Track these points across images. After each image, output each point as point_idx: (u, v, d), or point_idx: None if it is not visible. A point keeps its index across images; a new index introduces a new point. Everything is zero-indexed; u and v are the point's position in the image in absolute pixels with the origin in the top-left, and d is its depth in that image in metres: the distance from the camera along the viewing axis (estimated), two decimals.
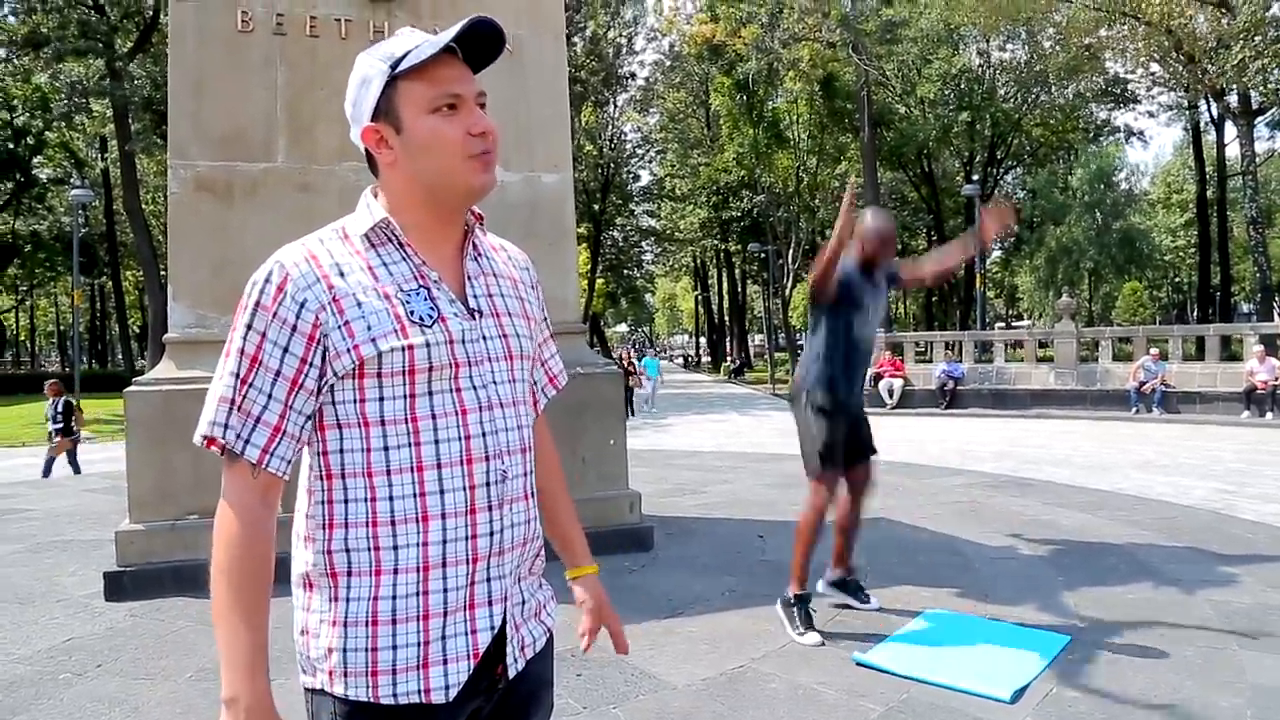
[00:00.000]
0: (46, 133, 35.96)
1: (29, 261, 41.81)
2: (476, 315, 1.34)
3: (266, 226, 5.37)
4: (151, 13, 25.39)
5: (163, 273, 24.82)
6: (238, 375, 1.25)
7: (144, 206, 30.04)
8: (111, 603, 4.88)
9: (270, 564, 1.28)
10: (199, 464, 4.95)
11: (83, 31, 23.96)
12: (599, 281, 47.83)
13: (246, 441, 1.25)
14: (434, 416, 1.27)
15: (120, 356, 47.52)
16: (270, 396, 1.24)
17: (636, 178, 48.51)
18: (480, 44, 1.31)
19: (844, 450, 4.36)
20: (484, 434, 1.30)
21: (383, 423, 1.26)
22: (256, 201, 5.49)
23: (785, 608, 4.31)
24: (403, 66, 1.26)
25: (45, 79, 30.96)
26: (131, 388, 5.28)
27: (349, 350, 1.24)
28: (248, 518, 1.26)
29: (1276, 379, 16.31)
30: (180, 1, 5.47)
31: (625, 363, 23.14)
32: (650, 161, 48.24)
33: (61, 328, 58.29)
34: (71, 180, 37.63)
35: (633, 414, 20.36)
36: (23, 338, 63.75)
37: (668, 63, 42.76)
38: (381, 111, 1.29)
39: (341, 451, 1.27)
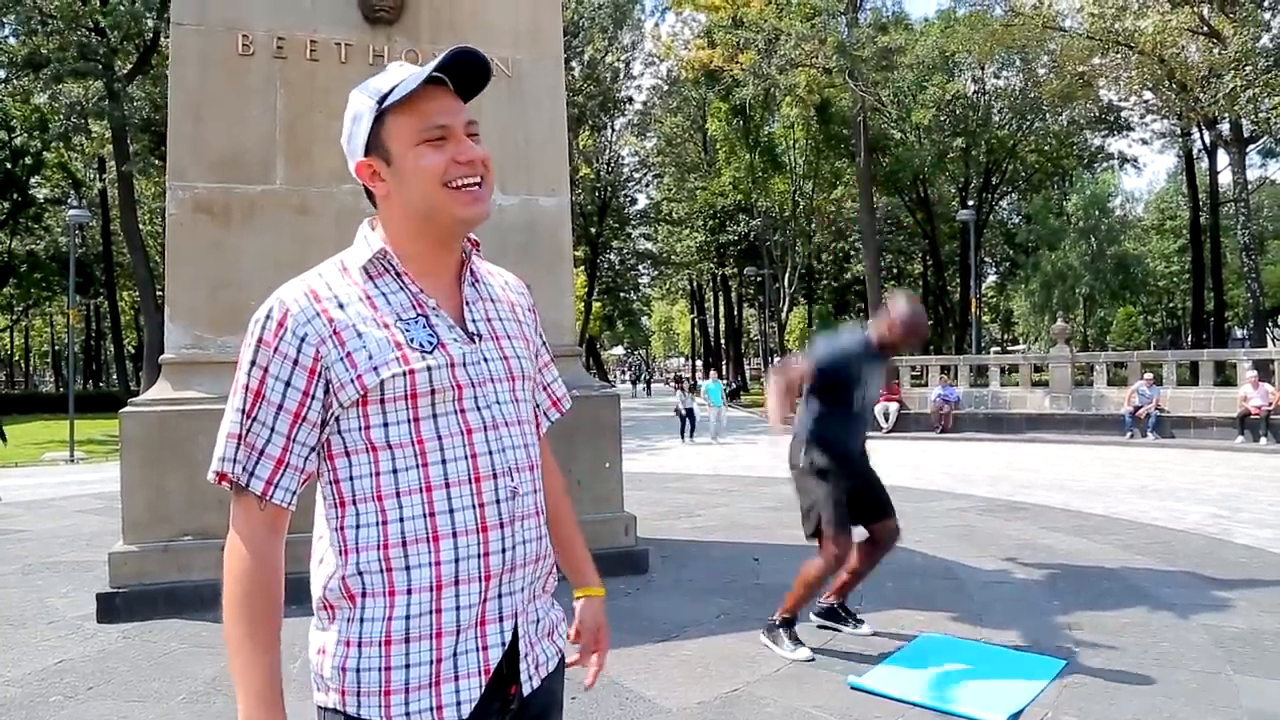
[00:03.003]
0: (44, 153, 36.00)
1: (25, 281, 41.76)
2: (476, 339, 1.36)
3: (264, 248, 5.40)
4: (151, 35, 25.46)
5: (159, 293, 24.79)
6: (242, 410, 1.28)
7: (141, 227, 30.01)
8: (104, 624, 4.86)
9: (280, 593, 1.30)
10: (193, 485, 4.94)
11: (82, 53, 24.03)
12: (595, 304, 47.92)
13: (251, 474, 1.28)
14: (439, 438, 1.29)
15: (115, 377, 47.37)
16: (273, 430, 1.27)
17: (633, 201, 48.72)
18: (467, 73, 1.33)
19: (856, 508, 4.31)
20: (490, 452, 1.32)
21: (389, 446, 1.28)
22: (254, 223, 5.52)
23: (770, 632, 4.35)
24: (389, 100, 1.30)
25: (44, 99, 31.05)
26: (127, 408, 5.28)
27: (353, 381, 1.26)
28: (257, 549, 1.28)
29: (1270, 404, 16.35)
30: (181, 25, 5.52)
31: (687, 386, 22.00)
32: (647, 185, 48.46)
33: (56, 348, 58.12)
34: (69, 200, 37.65)
35: (692, 437, 19.57)
36: (17, 358, 63.60)
37: (665, 87, 43.05)
38: (373, 146, 1.33)
39: (351, 478, 1.29)
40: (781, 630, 4.29)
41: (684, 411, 20.11)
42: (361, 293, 1.31)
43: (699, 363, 61.82)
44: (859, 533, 4.38)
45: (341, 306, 1.29)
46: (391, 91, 1.29)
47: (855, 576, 4.53)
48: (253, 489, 1.28)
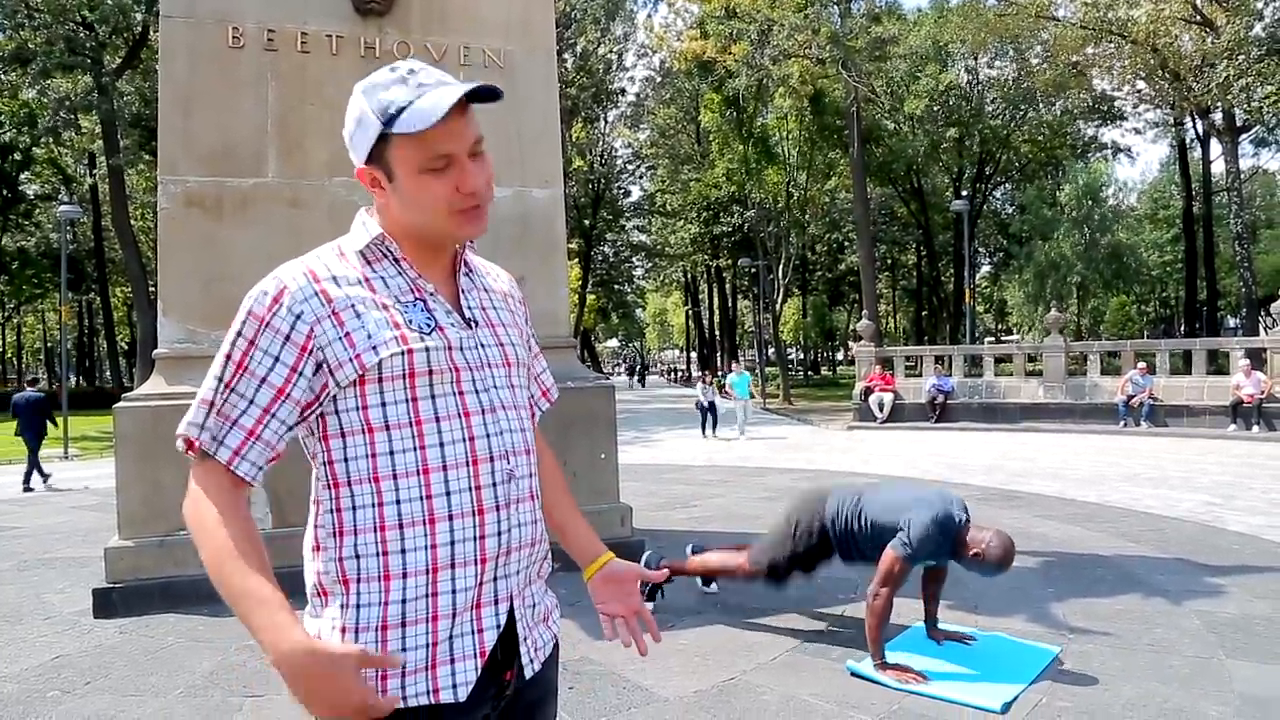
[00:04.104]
0: (34, 148, 35.79)
1: (16, 278, 41.56)
2: (472, 325, 1.37)
3: (256, 242, 5.38)
4: (140, 29, 25.32)
5: (151, 289, 24.72)
6: (220, 379, 1.27)
7: (133, 222, 29.91)
8: (100, 619, 4.86)
9: (260, 537, 1.26)
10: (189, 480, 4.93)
11: (70, 47, 23.84)
12: (590, 297, 47.83)
13: (220, 443, 1.27)
14: (438, 419, 1.29)
15: (108, 373, 47.24)
16: (251, 402, 1.26)
17: (627, 193, 48.60)
18: (480, 97, 1.30)
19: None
20: (488, 435, 1.33)
21: (387, 427, 1.28)
22: (246, 217, 5.51)
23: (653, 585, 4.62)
24: (395, 129, 1.25)
25: (33, 94, 30.87)
26: (121, 403, 5.28)
27: (351, 360, 1.26)
28: (223, 500, 1.25)
29: (1262, 392, 16.41)
30: (171, 18, 5.49)
31: (709, 379, 20.46)
32: (641, 177, 48.33)
33: (49, 344, 57.90)
34: (59, 196, 37.55)
35: (714, 432, 18.18)
36: (9, 355, 63.34)
37: (658, 79, 42.93)
38: (375, 158, 1.31)
39: (346, 459, 1.29)
40: (655, 589, 4.65)
41: (706, 405, 18.76)
42: (360, 275, 1.32)
43: (694, 355, 61.87)
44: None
45: (340, 287, 1.29)
46: (399, 115, 1.24)
47: (724, 574, 4.68)
48: (219, 456, 1.26)
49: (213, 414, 1.27)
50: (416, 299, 1.33)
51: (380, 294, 1.31)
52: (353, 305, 1.28)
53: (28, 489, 11.85)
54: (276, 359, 1.26)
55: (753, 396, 19.17)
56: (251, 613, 1.18)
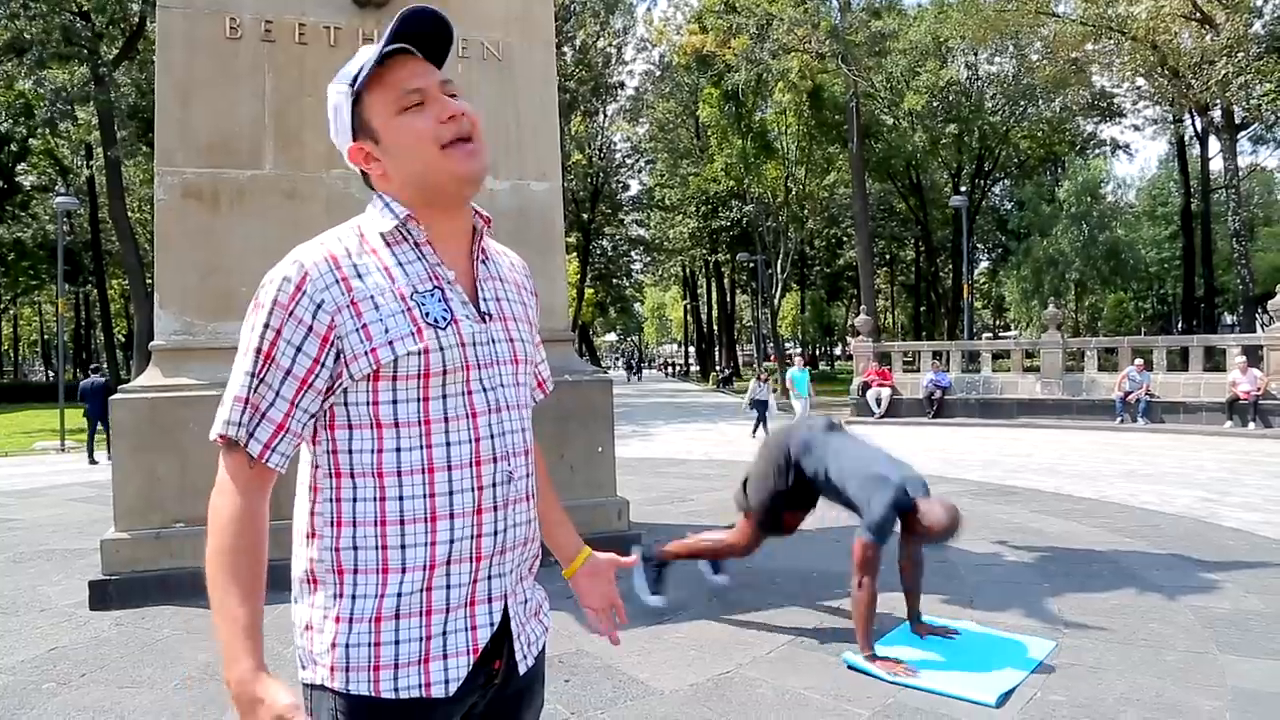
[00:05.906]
0: (30, 139, 35.70)
1: (12, 269, 41.46)
2: (487, 319, 1.36)
3: (253, 234, 5.37)
4: (137, 20, 25.19)
5: (148, 281, 24.63)
6: (251, 374, 1.27)
7: (130, 214, 29.80)
8: (96, 611, 4.85)
9: (265, 547, 1.29)
10: (186, 471, 4.93)
11: (66, 38, 23.74)
12: (588, 290, 47.84)
13: (251, 435, 1.27)
14: (446, 419, 1.29)
15: (105, 365, 47.21)
16: (278, 394, 1.26)
17: (626, 187, 48.58)
18: (430, 39, 1.33)
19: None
20: (493, 436, 1.33)
21: (396, 425, 1.27)
22: (244, 209, 5.49)
23: (645, 561, 4.63)
24: (359, 82, 1.30)
25: (29, 85, 30.73)
26: (118, 395, 5.26)
27: (366, 354, 1.25)
28: (245, 502, 1.27)
29: (1258, 389, 16.44)
30: (168, 9, 5.47)
31: (762, 378, 18.10)
32: (639, 171, 48.32)
33: (46, 336, 57.84)
34: (56, 187, 37.43)
35: (767, 431, 15.02)
36: (6, 347, 63.22)
37: (657, 73, 42.90)
38: (358, 129, 1.33)
39: (351, 451, 1.29)
40: (656, 569, 4.59)
41: (760, 403, 16.82)
42: (379, 262, 1.30)
43: (692, 349, 61.84)
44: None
45: (360, 276, 1.28)
46: (360, 73, 1.30)
47: (719, 552, 4.79)
48: (250, 450, 1.27)
49: (246, 408, 1.27)
50: (434, 287, 1.31)
51: (399, 282, 1.29)
52: (371, 297, 1.27)
53: (93, 461, 14.08)
54: (299, 349, 1.25)
55: (811, 395, 17.30)
56: (221, 626, 1.24)
